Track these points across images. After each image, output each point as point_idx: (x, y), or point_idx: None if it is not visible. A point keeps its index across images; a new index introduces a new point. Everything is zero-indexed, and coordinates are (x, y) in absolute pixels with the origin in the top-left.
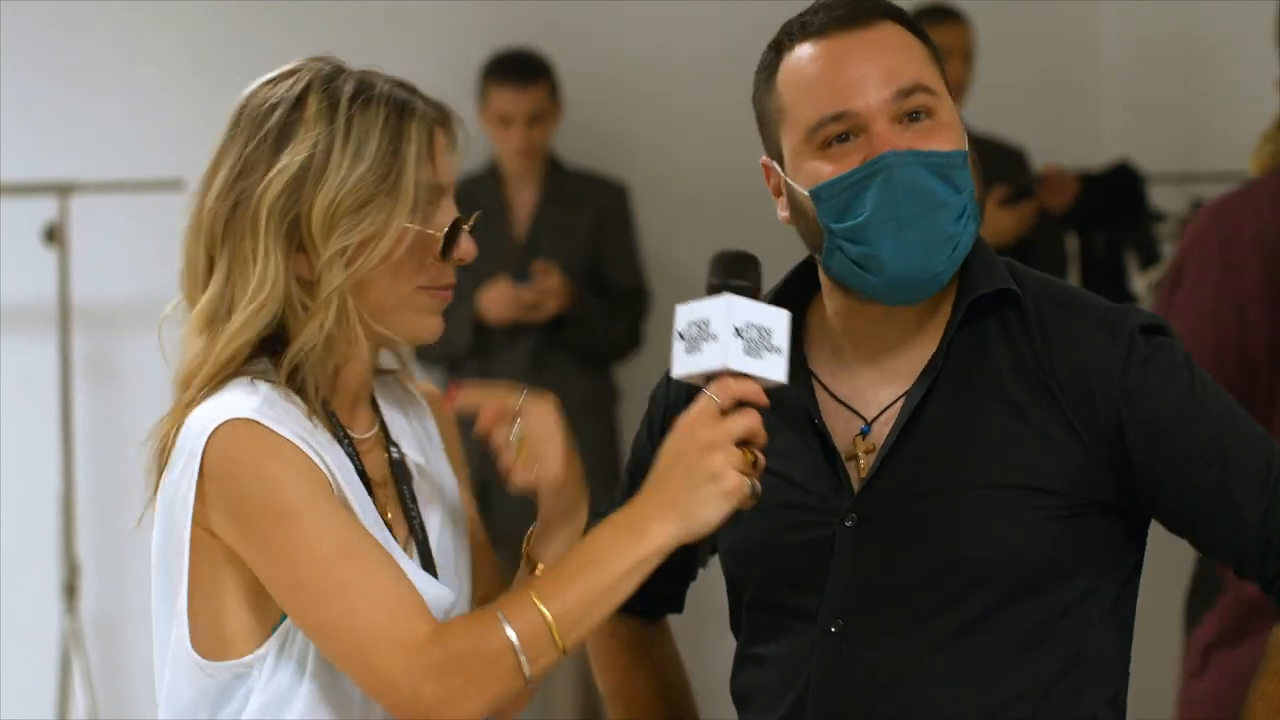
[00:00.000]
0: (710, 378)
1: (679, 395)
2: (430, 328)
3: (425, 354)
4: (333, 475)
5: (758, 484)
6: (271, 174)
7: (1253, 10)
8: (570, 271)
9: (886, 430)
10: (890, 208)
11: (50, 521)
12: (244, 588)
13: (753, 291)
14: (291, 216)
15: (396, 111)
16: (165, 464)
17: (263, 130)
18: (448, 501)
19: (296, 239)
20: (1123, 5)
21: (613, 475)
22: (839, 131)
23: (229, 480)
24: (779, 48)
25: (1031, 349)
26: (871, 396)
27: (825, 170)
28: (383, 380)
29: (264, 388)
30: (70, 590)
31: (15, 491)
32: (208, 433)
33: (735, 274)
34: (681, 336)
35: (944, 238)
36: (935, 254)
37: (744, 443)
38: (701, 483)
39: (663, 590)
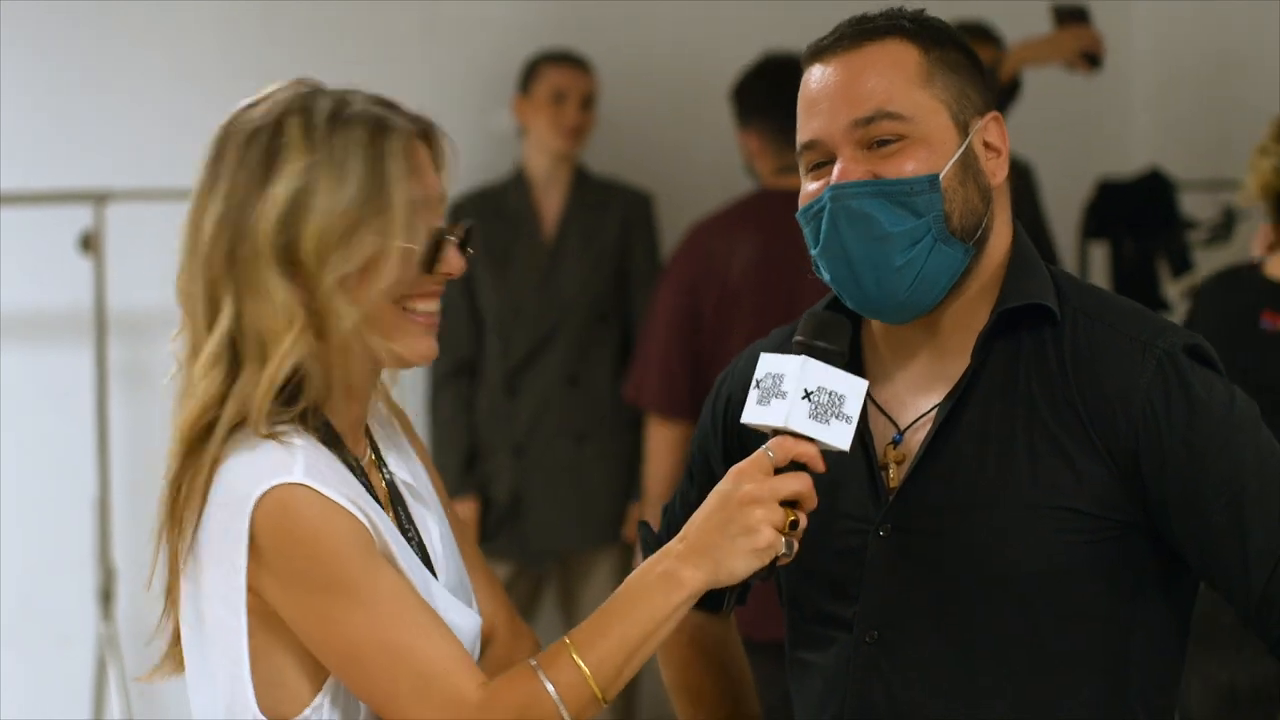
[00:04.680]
0: (775, 432)
1: (739, 383)
2: (423, 350)
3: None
4: (375, 528)
5: (795, 544)
6: (265, 205)
7: None
8: (597, 277)
9: (917, 439)
10: (835, 240)
11: (86, 528)
12: (294, 646)
13: (838, 357)
14: (284, 244)
15: (375, 129)
16: (187, 520)
17: (248, 158)
18: (440, 517)
19: (290, 269)
20: (1153, 12)
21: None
22: (815, 160)
23: (282, 550)
24: (802, 66)
25: (1060, 366)
26: (909, 403)
27: (810, 192)
28: None
29: (299, 442)
30: (106, 596)
31: (52, 498)
32: (253, 498)
33: (822, 336)
34: (758, 385)
35: (893, 269)
36: (889, 283)
37: (791, 503)
38: (736, 535)
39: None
